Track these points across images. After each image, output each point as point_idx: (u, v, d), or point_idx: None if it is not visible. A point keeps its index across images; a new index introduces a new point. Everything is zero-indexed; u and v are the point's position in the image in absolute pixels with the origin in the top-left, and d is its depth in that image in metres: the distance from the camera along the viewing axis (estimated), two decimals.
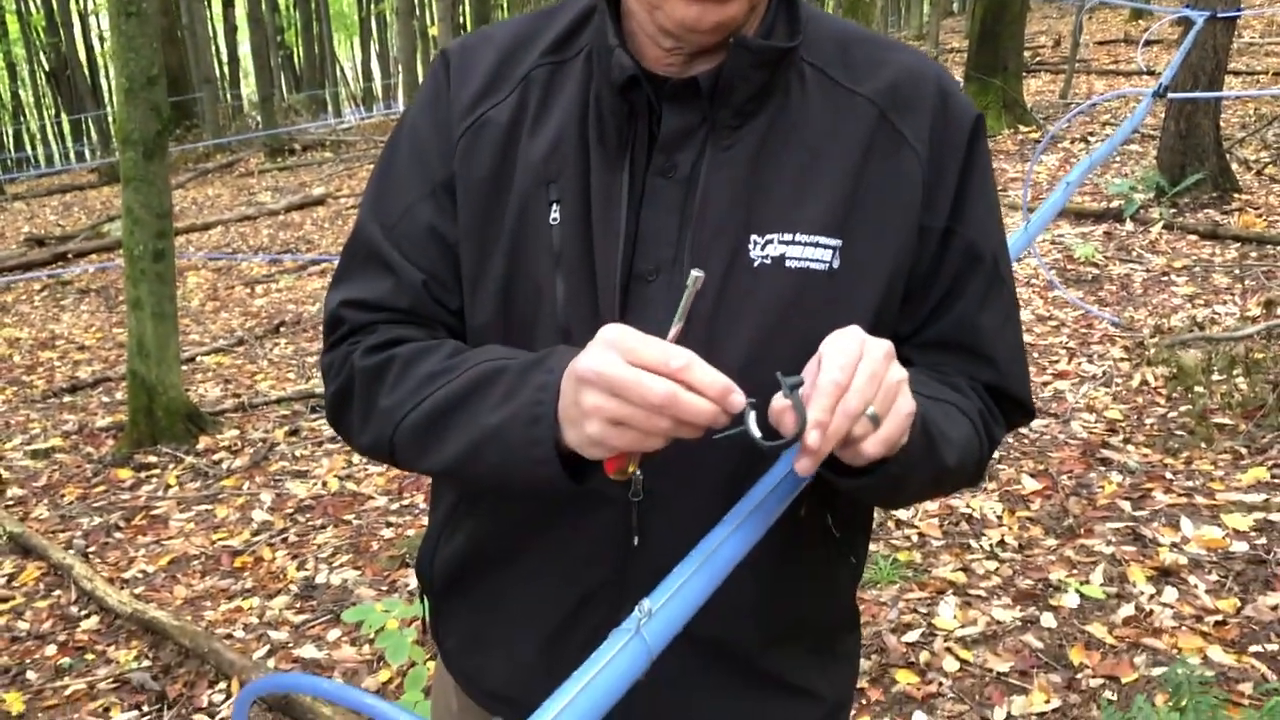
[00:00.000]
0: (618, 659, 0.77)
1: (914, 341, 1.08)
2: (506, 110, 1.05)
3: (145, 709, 3.14)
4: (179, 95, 18.73)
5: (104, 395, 6.50)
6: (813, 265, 0.99)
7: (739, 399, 0.81)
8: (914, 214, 1.01)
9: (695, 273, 0.82)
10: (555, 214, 1.01)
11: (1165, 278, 6.12)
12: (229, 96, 25.80)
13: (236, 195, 14.20)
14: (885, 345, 0.85)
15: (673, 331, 0.84)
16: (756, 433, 0.82)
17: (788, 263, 0.98)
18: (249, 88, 28.05)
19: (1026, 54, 12.90)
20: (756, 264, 0.98)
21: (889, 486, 0.93)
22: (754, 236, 0.98)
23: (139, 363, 5.17)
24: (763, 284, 0.98)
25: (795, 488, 0.96)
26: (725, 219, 0.98)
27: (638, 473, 1.00)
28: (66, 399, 6.49)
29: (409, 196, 1.07)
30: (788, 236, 0.98)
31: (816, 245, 0.99)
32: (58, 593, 3.95)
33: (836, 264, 0.99)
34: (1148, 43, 13.50)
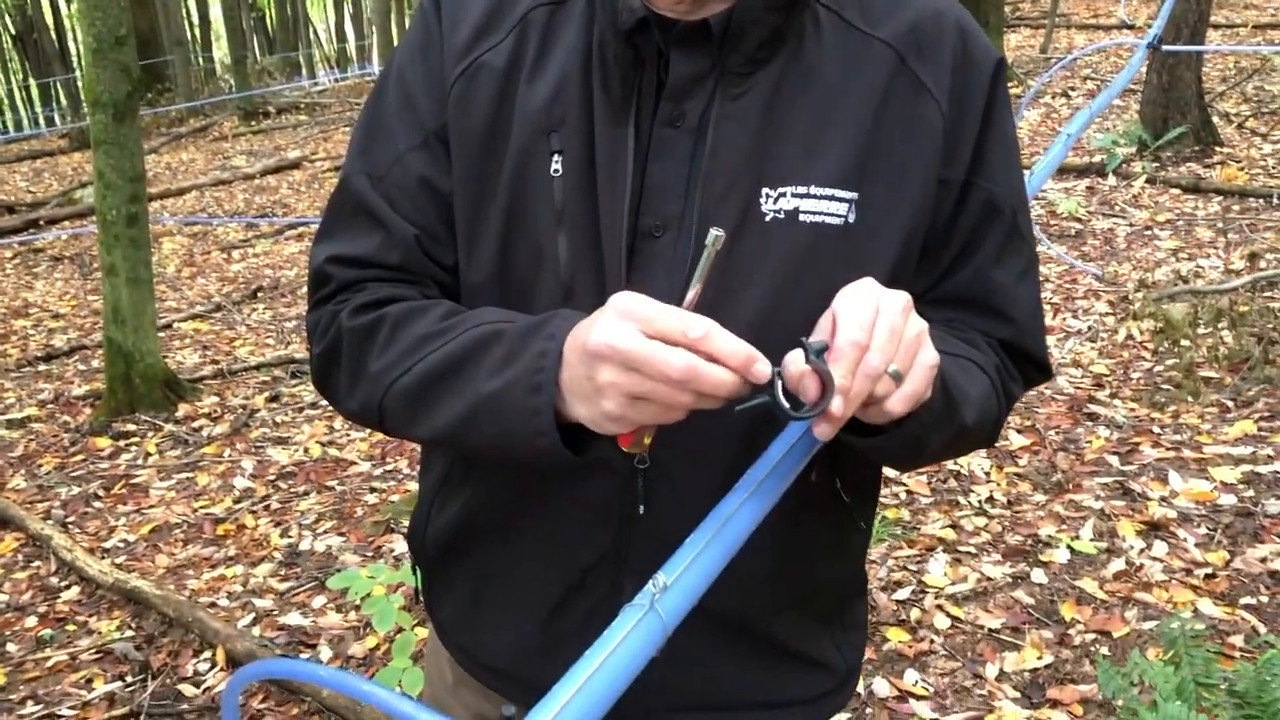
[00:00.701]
0: (633, 636, 0.72)
1: (929, 297, 1.04)
2: (503, 54, 0.99)
3: (129, 679, 3.10)
4: (150, 58, 18.44)
5: (80, 363, 6.41)
6: (828, 219, 0.94)
7: (764, 368, 0.76)
8: (933, 166, 0.97)
9: (715, 231, 0.76)
10: (557, 166, 0.95)
11: (1148, 232, 6.10)
12: (201, 59, 25.41)
13: (211, 159, 13.99)
14: (903, 297, 0.80)
15: (689, 296, 0.79)
16: (785, 404, 0.77)
17: (801, 217, 0.93)
18: (221, 50, 27.60)
19: (1006, 9, 12.81)
20: (769, 218, 0.93)
21: (909, 446, 0.89)
22: (766, 189, 0.93)
23: (115, 330, 5.09)
24: (775, 239, 0.93)
25: (807, 453, 0.92)
26: (736, 171, 0.93)
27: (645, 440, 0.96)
28: (42, 368, 6.40)
29: (399, 146, 1.01)
30: (802, 189, 0.93)
31: (832, 198, 0.94)
32: (37, 564, 3.89)
33: (852, 218, 0.94)
34: None
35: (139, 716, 2.93)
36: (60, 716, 2.97)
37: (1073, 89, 9.80)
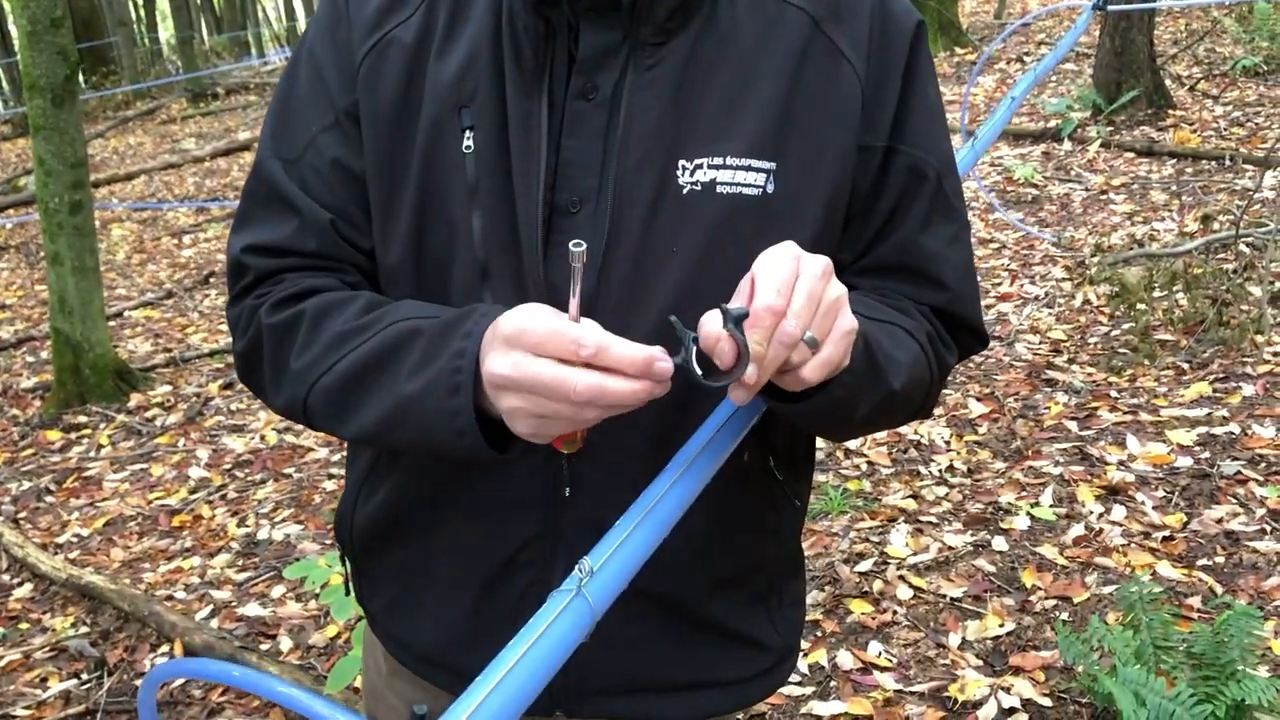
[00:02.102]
0: (559, 621, 0.71)
1: (857, 267, 1.02)
2: (412, 29, 0.96)
3: (85, 676, 3.04)
4: (93, 40, 18.02)
5: (28, 355, 6.28)
6: (745, 190, 0.93)
7: (665, 366, 0.75)
8: (852, 132, 0.96)
9: (575, 247, 0.74)
10: (469, 141, 0.93)
11: (1104, 196, 6.14)
12: (147, 40, 24.90)
13: (159, 143, 13.74)
14: (822, 261, 0.79)
15: (572, 308, 0.77)
16: (698, 371, 0.76)
17: (718, 188, 0.92)
18: (167, 31, 27.11)
19: None
20: (686, 190, 0.92)
21: (834, 412, 0.88)
22: (682, 161, 0.92)
23: (62, 320, 4.98)
24: (693, 212, 0.92)
25: (739, 433, 0.90)
26: (651, 144, 0.92)
27: None
28: None
29: (311, 128, 0.98)
30: (718, 160, 0.92)
31: (749, 169, 0.93)
32: None
33: (771, 188, 0.94)
34: None
35: (96, 714, 2.87)
36: (14, 717, 2.91)
37: (1027, 54, 9.82)
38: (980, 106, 8.26)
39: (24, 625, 3.37)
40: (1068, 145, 7.20)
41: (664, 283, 0.92)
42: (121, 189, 11.17)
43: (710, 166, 0.92)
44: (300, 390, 0.93)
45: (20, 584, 3.63)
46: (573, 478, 0.97)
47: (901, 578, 2.93)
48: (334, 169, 0.98)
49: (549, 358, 0.75)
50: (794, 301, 0.75)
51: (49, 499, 4.30)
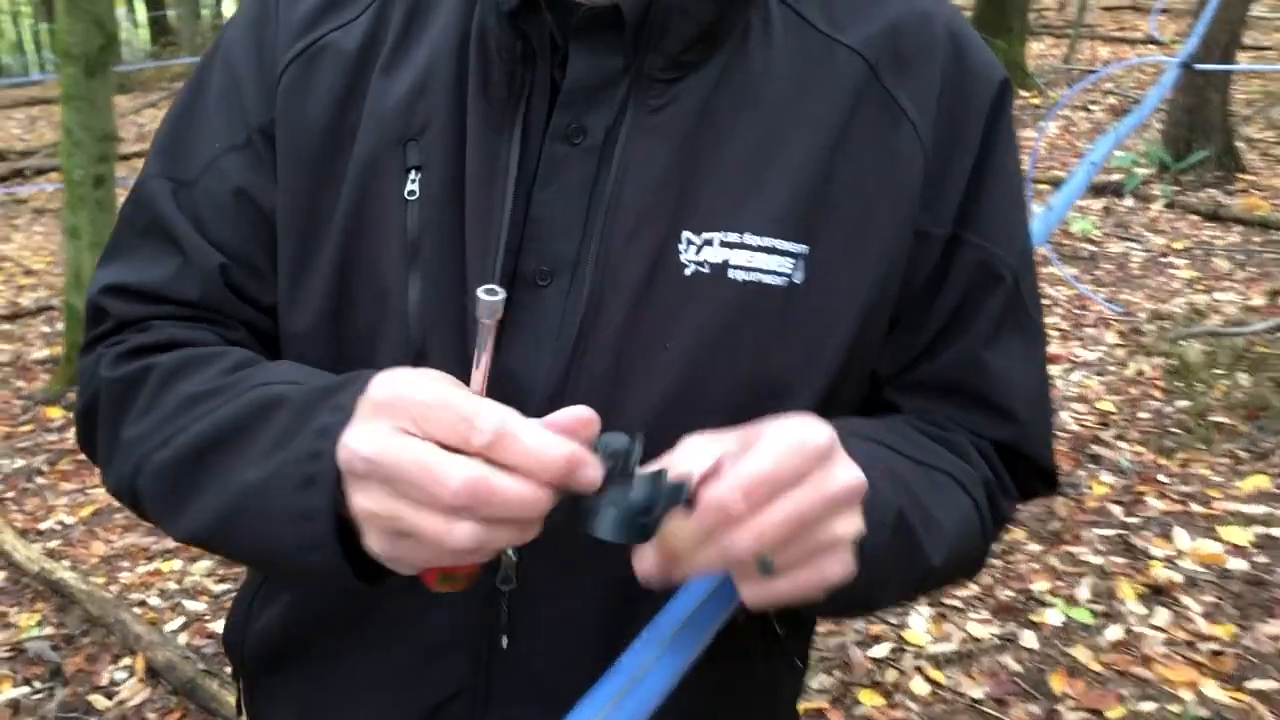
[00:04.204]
0: None
1: (903, 382, 0.82)
2: (355, 35, 0.76)
3: (39, 685, 2.86)
4: (156, 10, 18.09)
5: (45, 325, 6.16)
6: (766, 278, 0.73)
7: (591, 475, 0.55)
8: (909, 213, 0.76)
9: (484, 295, 0.57)
10: (413, 186, 0.73)
11: (1164, 259, 5.85)
12: (211, 13, 25.05)
13: None
14: (851, 479, 0.59)
15: (475, 380, 0.59)
16: (603, 535, 0.56)
17: (732, 273, 0.72)
18: (231, 2, 27.26)
19: (1031, 15, 12.53)
20: (689, 271, 0.72)
21: (847, 601, 0.66)
22: (688, 234, 0.72)
23: (75, 295, 4.84)
24: (696, 300, 0.72)
25: (733, 598, 0.69)
26: (650, 207, 0.71)
27: (510, 554, 0.74)
28: (5, 326, 6.14)
29: (214, 147, 0.78)
30: (734, 236, 0.72)
31: (773, 251, 0.72)
32: None
33: (799, 277, 0.73)
34: (1161, 11, 13.11)
35: None
36: None
37: (1093, 103, 9.53)
38: (1042, 155, 7.98)
39: None
40: (1130, 202, 6.91)
41: (650, 387, 0.73)
42: None
43: (724, 244, 0.72)
44: (127, 466, 0.72)
45: None
46: (513, 625, 0.76)
47: (919, 669, 2.69)
48: (237, 201, 0.77)
49: (428, 438, 0.54)
50: (764, 516, 0.55)
51: (39, 480, 4.14)
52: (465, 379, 0.75)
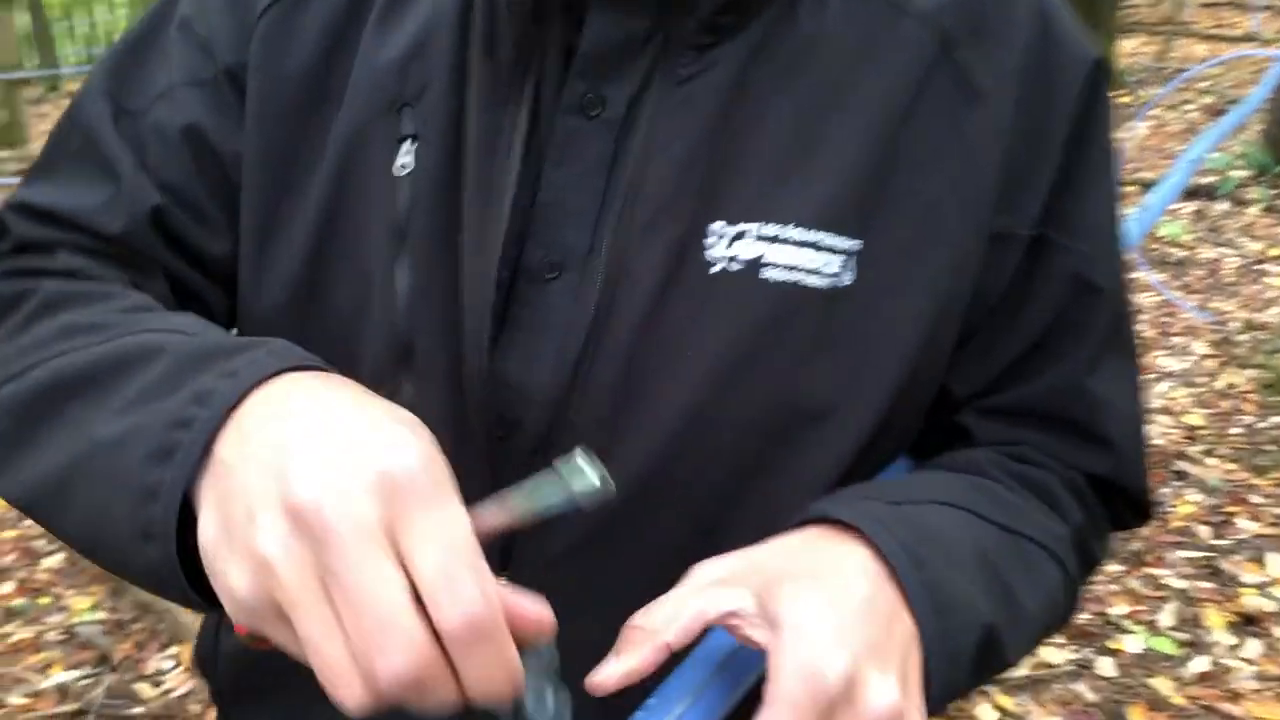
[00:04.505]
0: None
1: (985, 406, 0.72)
2: None
3: (87, 670, 2.86)
4: None
5: None
6: (807, 279, 0.63)
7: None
8: (983, 208, 0.65)
9: (590, 474, 0.49)
10: (406, 158, 0.64)
11: (1260, 266, 5.58)
12: None
13: None
14: (882, 708, 0.51)
15: (493, 515, 0.48)
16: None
17: (766, 272, 0.63)
18: None
19: (1121, 12, 12.14)
20: (716, 269, 0.63)
21: None
22: (718, 225, 0.63)
23: None
24: (722, 302, 0.63)
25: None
26: (675, 192, 0.62)
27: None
28: None
29: (170, 78, 0.69)
30: (771, 229, 0.62)
31: (817, 247, 0.63)
32: (27, 523, 3.68)
33: (847, 278, 0.63)
34: (1264, 6, 12.62)
35: (88, 715, 2.68)
36: (5, 705, 2.73)
37: (1187, 103, 9.18)
38: (1129, 155, 7.70)
39: (45, 600, 3.21)
40: (1224, 205, 6.62)
41: (666, 401, 0.63)
42: None
43: (759, 237, 0.62)
44: None
45: (52, 552, 3.48)
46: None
47: (986, 694, 2.55)
48: (188, 138, 0.68)
49: (386, 535, 0.43)
50: None
51: None
52: (453, 383, 0.65)
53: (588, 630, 0.65)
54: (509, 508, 0.49)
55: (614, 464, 0.54)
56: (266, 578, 0.43)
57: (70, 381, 0.57)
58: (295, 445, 0.45)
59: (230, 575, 0.45)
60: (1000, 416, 0.72)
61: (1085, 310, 0.70)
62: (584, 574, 0.66)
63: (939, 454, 0.75)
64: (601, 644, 0.64)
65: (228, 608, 0.46)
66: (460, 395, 0.64)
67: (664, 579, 0.62)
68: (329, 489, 0.43)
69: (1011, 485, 0.70)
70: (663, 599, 0.56)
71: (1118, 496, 0.75)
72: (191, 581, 0.50)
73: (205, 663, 0.84)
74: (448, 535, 0.43)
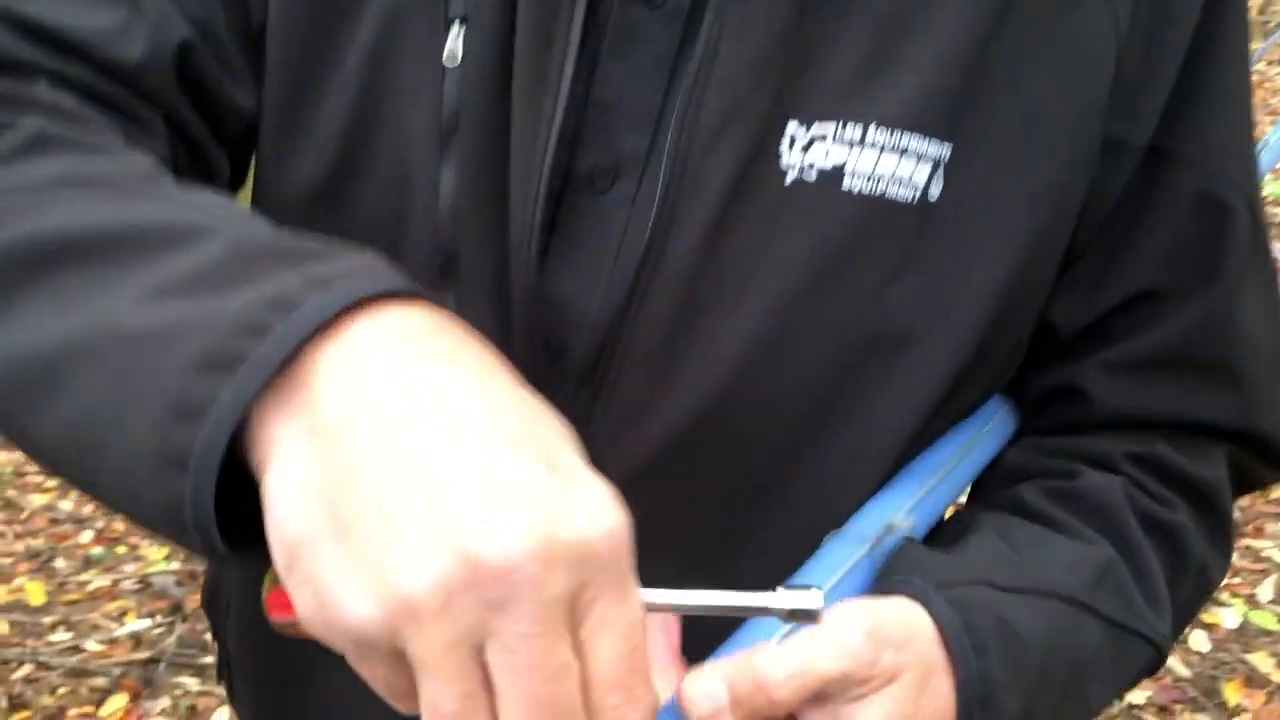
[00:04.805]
0: None
1: (1107, 360, 0.65)
2: None
3: (159, 619, 2.90)
4: None
5: None
6: (892, 190, 0.56)
7: None
8: (1094, 113, 0.59)
9: (817, 604, 0.44)
10: (456, 44, 0.57)
11: None
12: None
13: None
14: None
15: (671, 602, 0.43)
16: None
17: (849, 182, 0.56)
18: None
19: None
20: (790, 179, 0.55)
21: None
22: (794, 126, 0.55)
23: None
24: (798, 216, 0.56)
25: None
26: (746, 90, 0.55)
27: None
28: None
29: None
30: (854, 131, 0.55)
31: (904, 153, 0.56)
32: None
33: (936, 190, 0.57)
34: None
35: (159, 664, 2.72)
36: (83, 650, 2.78)
37: None
38: None
39: (121, 549, 3.26)
40: None
41: (731, 327, 0.57)
42: None
43: (839, 140, 0.55)
44: None
45: None
46: None
47: None
48: None
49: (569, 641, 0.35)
50: None
51: None
52: (500, 298, 0.58)
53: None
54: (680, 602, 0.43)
55: (660, 400, 0.51)
56: (404, 620, 0.34)
57: (78, 241, 0.45)
58: (462, 463, 0.35)
59: (344, 591, 0.34)
60: (1127, 374, 0.64)
61: (1217, 233, 0.62)
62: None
63: (1044, 416, 0.69)
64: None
65: (313, 618, 0.36)
66: (506, 314, 0.58)
67: (719, 525, 0.56)
68: (524, 553, 0.33)
69: (1140, 546, 0.63)
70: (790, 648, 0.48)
71: (1256, 449, 0.68)
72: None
73: (213, 604, 0.80)
74: (628, 626, 0.36)
